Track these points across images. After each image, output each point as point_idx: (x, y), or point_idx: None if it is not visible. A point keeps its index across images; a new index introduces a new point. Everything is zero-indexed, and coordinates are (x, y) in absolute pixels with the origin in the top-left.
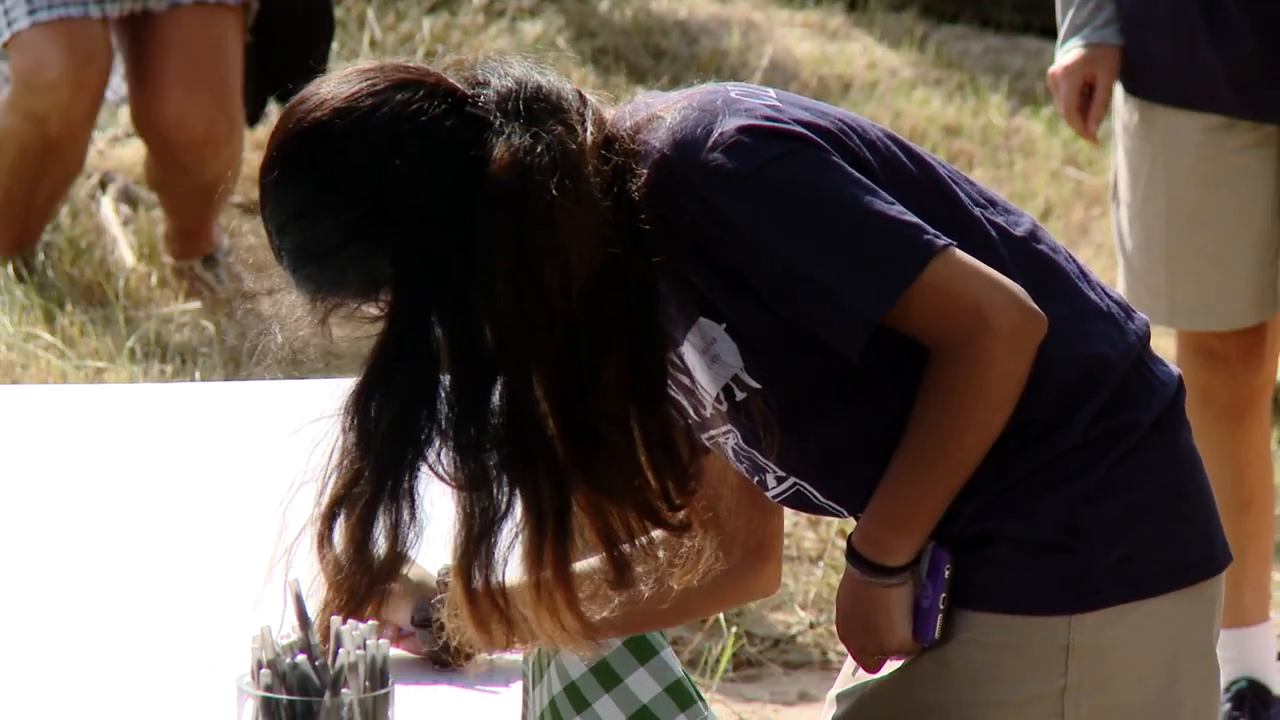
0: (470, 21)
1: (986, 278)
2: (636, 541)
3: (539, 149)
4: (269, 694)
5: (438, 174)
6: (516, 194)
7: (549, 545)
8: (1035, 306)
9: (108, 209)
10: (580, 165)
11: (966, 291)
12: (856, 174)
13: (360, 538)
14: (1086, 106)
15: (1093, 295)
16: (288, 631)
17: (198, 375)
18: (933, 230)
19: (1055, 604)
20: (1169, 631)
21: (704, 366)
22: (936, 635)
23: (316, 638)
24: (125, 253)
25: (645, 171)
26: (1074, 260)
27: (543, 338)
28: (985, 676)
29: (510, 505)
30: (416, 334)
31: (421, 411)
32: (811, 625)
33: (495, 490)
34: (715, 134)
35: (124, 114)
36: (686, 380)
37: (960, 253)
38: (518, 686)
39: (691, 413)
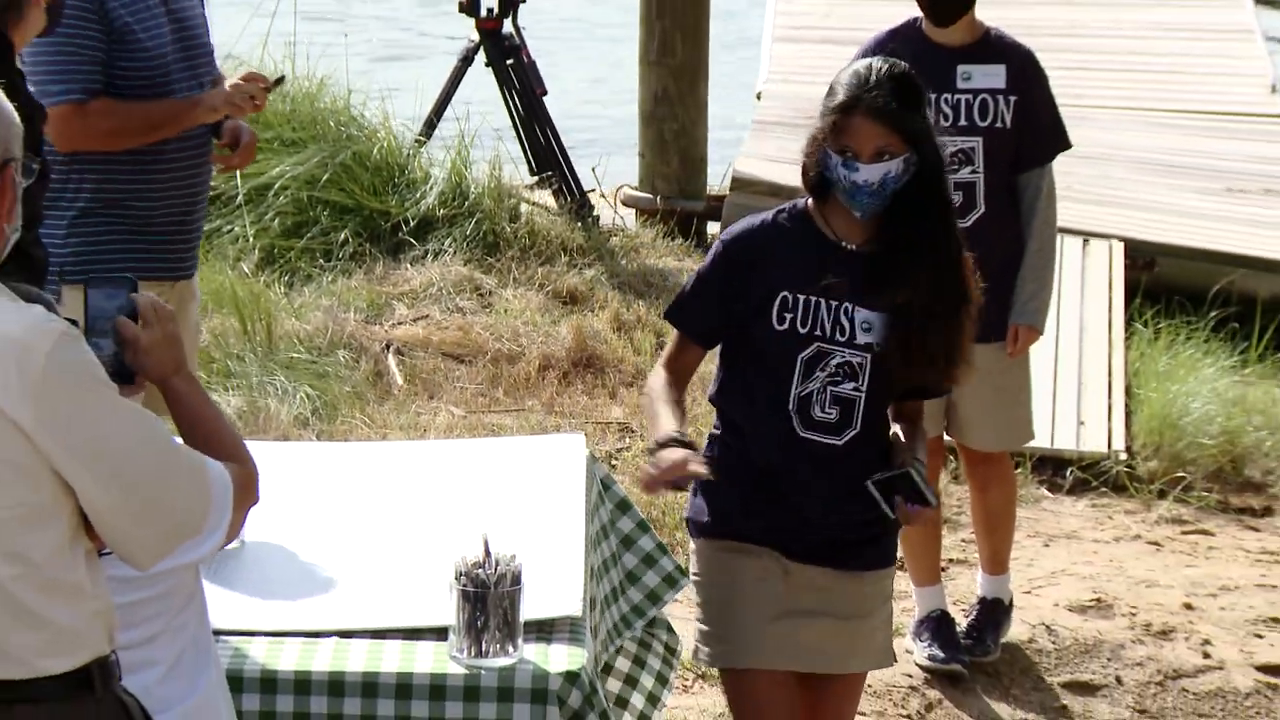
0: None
1: None
2: None
3: None
4: (465, 587)
5: None
6: None
7: None
8: None
9: (390, 360)
10: None
11: None
12: None
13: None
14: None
15: None
16: (475, 559)
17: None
18: None
19: None
20: None
21: None
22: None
23: (490, 564)
24: (397, 379)
25: None
26: None
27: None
28: None
29: None
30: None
31: None
32: None
33: None
34: None
35: (398, 310)
36: None
37: None
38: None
39: None
